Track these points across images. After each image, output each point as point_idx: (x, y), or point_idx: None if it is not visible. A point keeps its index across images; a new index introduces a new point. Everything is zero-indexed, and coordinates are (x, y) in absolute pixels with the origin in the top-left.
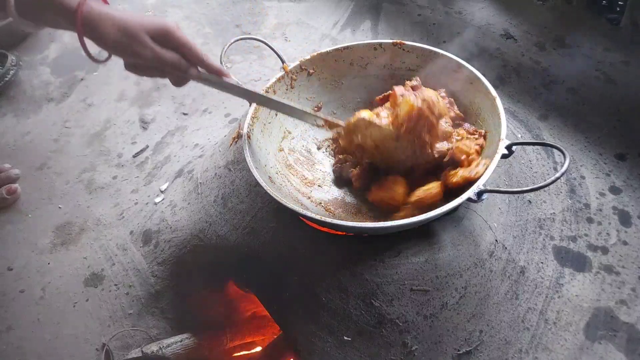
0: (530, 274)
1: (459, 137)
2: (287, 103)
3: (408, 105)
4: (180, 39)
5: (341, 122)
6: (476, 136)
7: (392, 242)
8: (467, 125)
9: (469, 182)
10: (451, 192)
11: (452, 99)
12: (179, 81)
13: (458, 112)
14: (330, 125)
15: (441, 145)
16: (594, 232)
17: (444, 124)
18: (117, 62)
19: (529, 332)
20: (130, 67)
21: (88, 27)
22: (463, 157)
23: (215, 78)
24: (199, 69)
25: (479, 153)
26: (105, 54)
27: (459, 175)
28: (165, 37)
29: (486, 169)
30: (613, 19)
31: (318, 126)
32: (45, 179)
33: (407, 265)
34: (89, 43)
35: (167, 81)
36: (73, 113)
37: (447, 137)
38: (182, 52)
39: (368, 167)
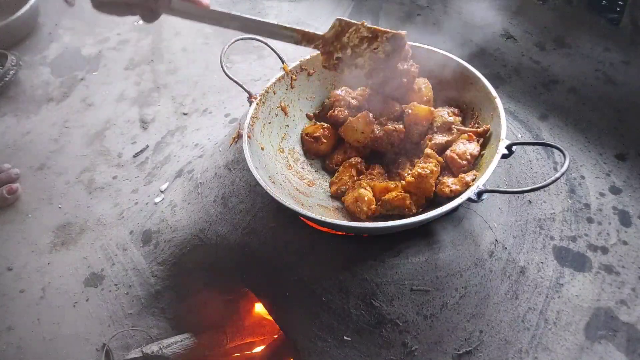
0: (530, 274)
1: (457, 128)
2: (260, 19)
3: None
4: None
5: (319, 33)
6: (475, 139)
7: (392, 242)
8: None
9: (458, 193)
10: (434, 201)
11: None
12: (149, 16)
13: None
14: (307, 39)
15: (440, 138)
16: (594, 232)
17: (445, 115)
18: (117, 62)
19: (529, 332)
20: (98, 5)
21: None
22: (455, 168)
23: (187, 7)
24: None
25: (473, 158)
26: None
27: (449, 187)
28: None
29: (473, 180)
30: (613, 19)
31: (296, 42)
32: (45, 179)
33: (407, 265)
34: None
35: (167, 81)
36: (73, 113)
37: (447, 128)
38: None
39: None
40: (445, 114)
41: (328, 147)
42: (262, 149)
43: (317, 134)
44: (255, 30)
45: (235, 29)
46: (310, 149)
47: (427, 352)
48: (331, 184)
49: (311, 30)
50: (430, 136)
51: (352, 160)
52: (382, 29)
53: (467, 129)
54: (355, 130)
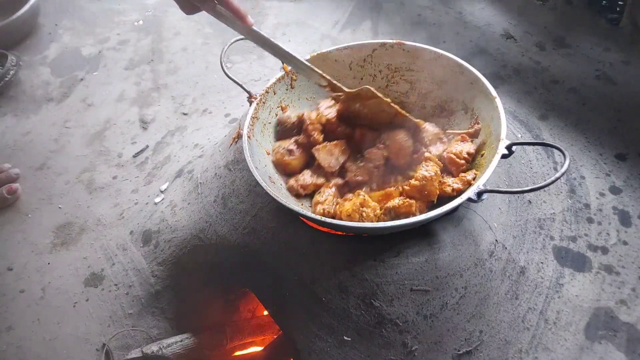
0: (530, 274)
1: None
2: (296, 56)
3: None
4: None
5: (344, 88)
6: (468, 139)
7: (392, 242)
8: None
9: (460, 191)
10: (436, 202)
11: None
12: (189, 9)
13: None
14: (333, 88)
15: (436, 149)
16: (594, 232)
17: (432, 128)
18: (117, 62)
19: (529, 332)
20: None
21: None
22: (454, 168)
23: (230, 16)
24: (217, 4)
25: (470, 156)
26: None
27: (451, 186)
28: None
29: (474, 179)
30: (613, 19)
31: (321, 86)
32: (45, 179)
33: (407, 265)
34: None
35: (167, 81)
36: (73, 113)
37: (438, 138)
38: None
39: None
40: (429, 126)
41: (299, 164)
42: (262, 149)
43: (290, 147)
44: (286, 60)
45: (269, 52)
46: (280, 163)
47: (427, 352)
48: (315, 205)
49: (338, 84)
50: (424, 150)
51: (336, 181)
52: (404, 112)
53: (458, 131)
54: (331, 155)
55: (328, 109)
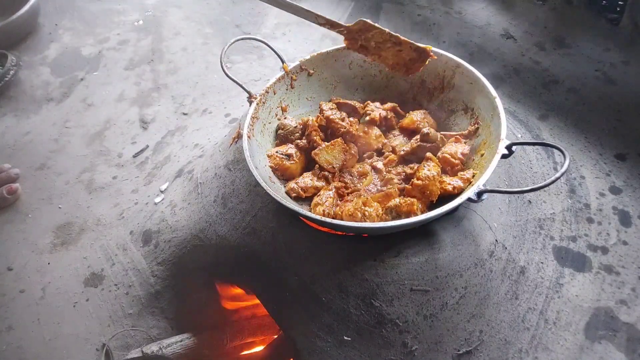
0: (530, 274)
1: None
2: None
3: None
4: None
5: (343, 23)
6: (462, 141)
7: (392, 242)
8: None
9: (460, 190)
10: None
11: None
12: None
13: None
14: (332, 25)
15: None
16: (594, 232)
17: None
18: (117, 62)
19: (529, 332)
20: None
21: None
22: (449, 168)
23: None
24: None
25: (464, 157)
26: None
27: (451, 184)
28: None
29: (473, 176)
30: (613, 19)
31: (320, 24)
32: (45, 179)
33: (407, 265)
34: None
35: (167, 81)
36: (73, 113)
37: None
38: None
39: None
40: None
41: (298, 168)
42: (262, 149)
43: (289, 151)
44: (281, 5)
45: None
46: (279, 167)
47: (427, 352)
48: (315, 206)
49: (336, 21)
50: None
51: (336, 183)
52: (408, 40)
53: (452, 133)
54: (331, 155)
55: (330, 110)
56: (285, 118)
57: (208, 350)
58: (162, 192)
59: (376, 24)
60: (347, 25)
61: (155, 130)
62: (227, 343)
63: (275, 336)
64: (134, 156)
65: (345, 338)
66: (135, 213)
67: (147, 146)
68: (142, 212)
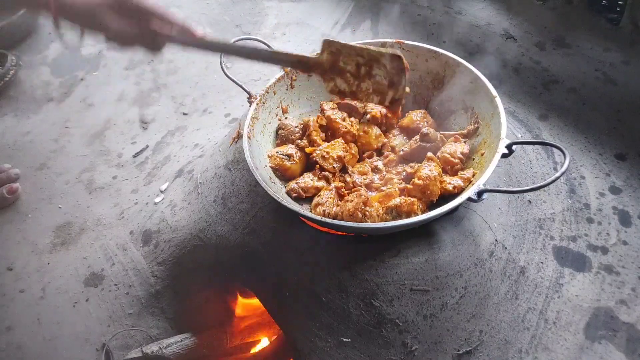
0: (530, 274)
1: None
2: (254, 48)
3: None
4: (140, 6)
5: (307, 55)
6: (461, 140)
7: (392, 242)
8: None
9: (460, 189)
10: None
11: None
12: (152, 47)
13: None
14: (304, 64)
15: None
16: (594, 232)
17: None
18: (117, 62)
19: (529, 332)
20: (109, 40)
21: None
22: (448, 167)
23: (185, 38)
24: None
25: (464, 156)
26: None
27: (451, 183)
28: (122, 7)
29: (474, 176)
30: (613, 19)
31: (293, 67)
32: (45, 179)
33: (407, 265)
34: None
35: (167, 81)
36: (73, 113)
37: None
38: (145, 18)
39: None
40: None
41: (299, 169)
42: (262, 149)
43: (290, 151)
44: (249, 56)
45: (232, 55)
46: (280, 168)
47: (427, 352)
48: (315, 206)
49: (306, 55)
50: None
51: (337, 183)
52: (375, 49)
53: (451, 133)
54: (331, 155)
55: (332, 110)
56: (285, 118)
57: (208, 350)
58: (162, 192)
59: (340, 41)
60: (316, 57)
61: (155, 130)
62: (227, 343)
63: (275, 336)
64: (134, 156)
65: (345, 339)
66: (135, 213)
67: (147, 146)
68: (142, 212)
